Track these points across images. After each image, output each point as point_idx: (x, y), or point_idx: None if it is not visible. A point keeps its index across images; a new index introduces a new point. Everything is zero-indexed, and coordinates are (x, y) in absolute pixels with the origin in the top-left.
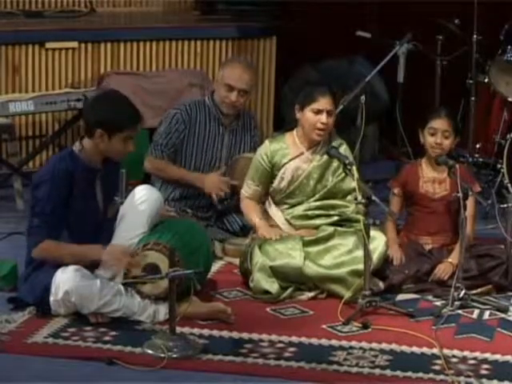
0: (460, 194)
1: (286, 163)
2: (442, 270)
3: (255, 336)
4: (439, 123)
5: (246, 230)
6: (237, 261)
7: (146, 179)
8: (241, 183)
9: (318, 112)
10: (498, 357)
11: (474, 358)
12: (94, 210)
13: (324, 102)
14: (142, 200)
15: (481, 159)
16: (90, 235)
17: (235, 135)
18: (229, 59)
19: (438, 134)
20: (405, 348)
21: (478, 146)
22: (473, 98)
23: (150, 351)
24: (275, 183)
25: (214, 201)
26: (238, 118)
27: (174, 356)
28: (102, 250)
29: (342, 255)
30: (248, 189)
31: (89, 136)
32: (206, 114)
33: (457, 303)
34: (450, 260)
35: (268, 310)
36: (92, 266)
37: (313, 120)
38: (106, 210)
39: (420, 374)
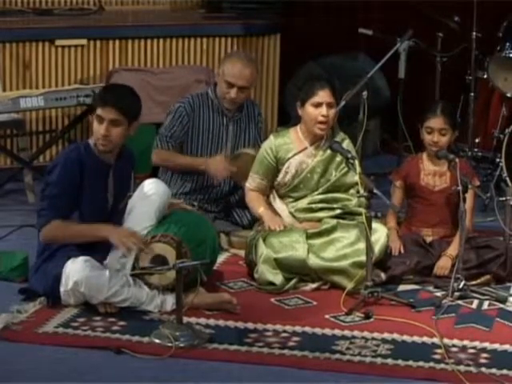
0: (459, 188)
1: (290, 158)
2: (441, 268)
3: (260, 326)
4: (435, 122)
5: (255, 223)
6: (242, 252)
7: (154, 173)
8: (241, 179)
9: (318, 105)
10: (496, 346)
11: (474, 347)
12: (104, 203)
13: (323, 95)
14: (151, 193)
15: (480, 153)
16: None
17: (239, 125)
18: (229, 54)
19: (434, 132)
20: (406, 337)
21: (477, 140)
22: (472, 94)
23: (157, 340)
24: (280, 177)
25: (215, 182)
26: (241, 108)
27: (181, 345)
28: (111, 230)
29: (344, 247)
30: (252, 181)
31: None
32: (209, 106)
33: (456, 294)
34: (448, 253)
35: (272, 300)
36: (101, 257)
37: (314, 114)
38: (116, 203)
39: (421, 363)
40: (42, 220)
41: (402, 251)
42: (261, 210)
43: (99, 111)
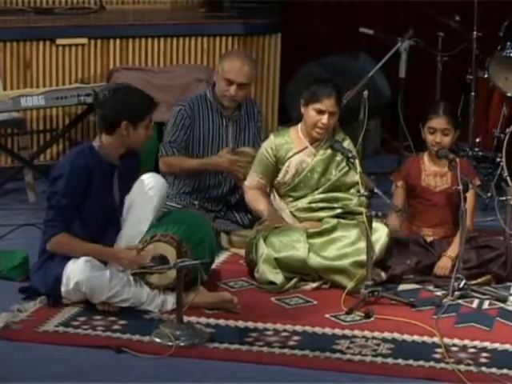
0: (460, 187)
1: (290, 157)
2: (441, 268)
3: (260, 325)
4: (438, 122)
5: (255, 223)
6: (242, 252)
7: (157, 168)
8: (240, 177)
9: (320, 112)
10: (497, 345)
11: (474, 347)
12: (111, 204)
13: (327, 104)
14: (149, 187)
15: (480, 153)
16: (102, 226)
17: (239, 124)
18: (227, 52)
19: (437, 133)
20: (406, 337)
21: (477, 140)
22: (473, 94)
23: (157, 340)
24: (280, 176)
25: (238, 178)
26: (240, 108)
27: (182, 344)
28: (116, 255)
29: (345, 247)
30: (252, 180)
31: (111, 132)
32: (208, 107)
33: (457, 293)
34: (448, 254)
35: (273, 299)
36: None
37: (314, 119)
38: (122, 203)
39: (421, 362)
40: (51, 231)
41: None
42: (261, 207)
43: (150, 117)
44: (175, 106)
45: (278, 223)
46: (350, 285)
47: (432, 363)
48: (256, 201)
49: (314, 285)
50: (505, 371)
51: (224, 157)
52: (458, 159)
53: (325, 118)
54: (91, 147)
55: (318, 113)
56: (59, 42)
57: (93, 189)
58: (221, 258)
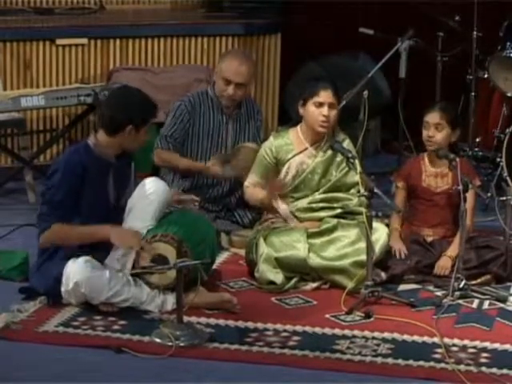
0: (460, 187)
1: (290, 159)
2: (441, 268)
3: (260, 325)
4: (430, 116)
5: (256, 223)
6: (243, 252)
7: (155, 171)
8: (241, 172)
9: (320, 105)
10: (497, 345)
11: (474, 347)
12: (105, 202)
13: (325, 95)
14: (150, 192)
15: (480, 153)
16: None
17: (239, 122)
18: (226, 52)
19: (429, 127)
20: (406, 337)
21: (477, 139)
22: (473, 94)
23: (157, 340)
24: (280, 178)
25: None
26: (240, 106)
27: (182, 344)
28: (111, 230)
29: (344, 247)
30: (250, 180)
31: (113, 133)
32: (209, 104)
33: (457, 293)
34: (448, 254)
35: (273, 299)
36: (102, 255)
37: (315, 113)
38: (117, 202)
39: (421, 363)
40: (42, 225)
41: (406, 252)
42: (261, 194)
43: (151, 122)
44: (176, 101)
45: (279, 191)
46: (350, 285)
47: (432, 363)
48: (254, 194)
49: (314, 285)
50: (505, 371)
51: (210, 167)
52: (457, 159)
53: (325, 110)
54: (86, 145)
55: (317, 106)
56: (59, 42)
57: (87, 186)
58: (221, 258)
